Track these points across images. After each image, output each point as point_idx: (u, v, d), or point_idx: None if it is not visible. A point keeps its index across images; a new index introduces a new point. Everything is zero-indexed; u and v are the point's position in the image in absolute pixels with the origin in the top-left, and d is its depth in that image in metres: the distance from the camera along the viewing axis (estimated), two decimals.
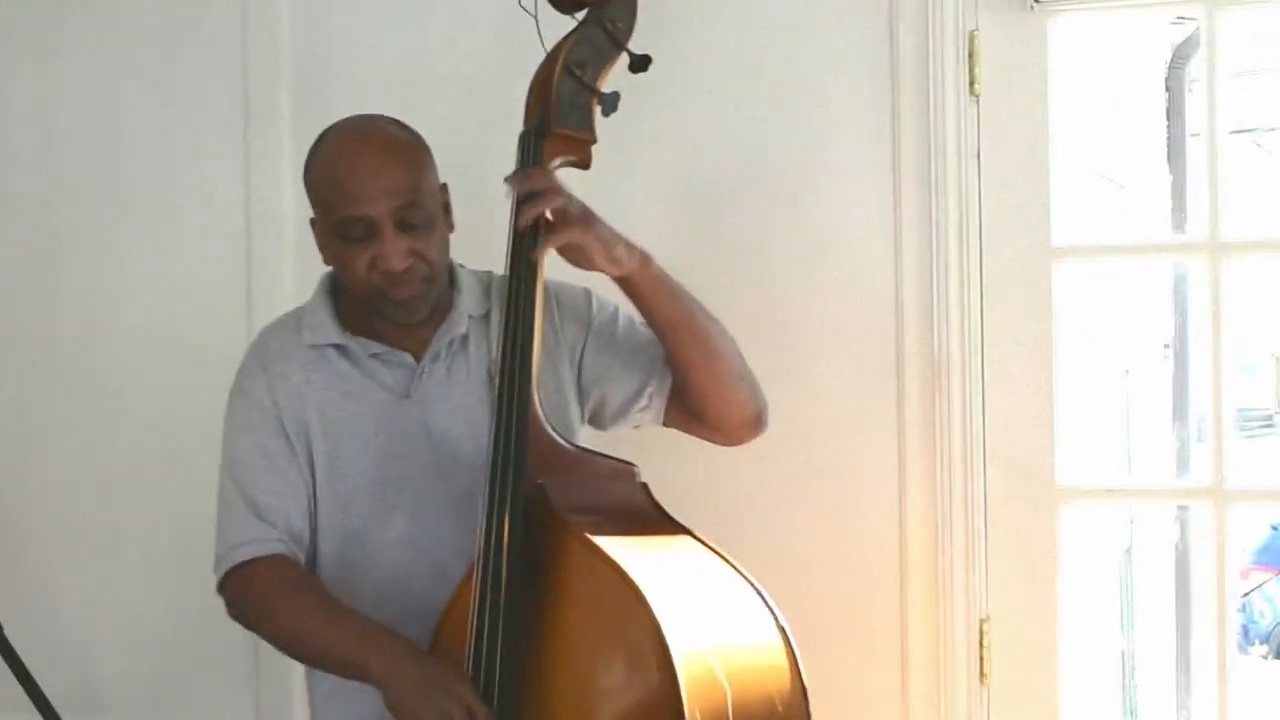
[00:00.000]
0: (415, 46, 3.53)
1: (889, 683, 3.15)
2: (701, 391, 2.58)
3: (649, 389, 2.62)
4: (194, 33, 3.69)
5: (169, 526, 3.67)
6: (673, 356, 2.58)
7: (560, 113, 2.50)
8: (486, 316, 2.63)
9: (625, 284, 2.51)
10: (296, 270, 3.55)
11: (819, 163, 3.22)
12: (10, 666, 2.65)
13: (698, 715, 2.20)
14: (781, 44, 3.24)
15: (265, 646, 3.47)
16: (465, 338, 2.61)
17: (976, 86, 3.10)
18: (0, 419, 3.84)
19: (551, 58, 2.53)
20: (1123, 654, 5.85)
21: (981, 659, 3.10)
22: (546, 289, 2.59)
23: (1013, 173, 3.10)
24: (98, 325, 3.75)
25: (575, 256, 2.47)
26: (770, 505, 3.21)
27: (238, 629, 3.54)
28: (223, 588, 2.61)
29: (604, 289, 2.65)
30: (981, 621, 3.10)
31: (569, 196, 2.44)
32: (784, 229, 3.24)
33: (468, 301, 2.62)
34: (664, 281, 2.52)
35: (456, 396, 2.59)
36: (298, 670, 3.44)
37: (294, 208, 3.52)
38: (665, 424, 2.67)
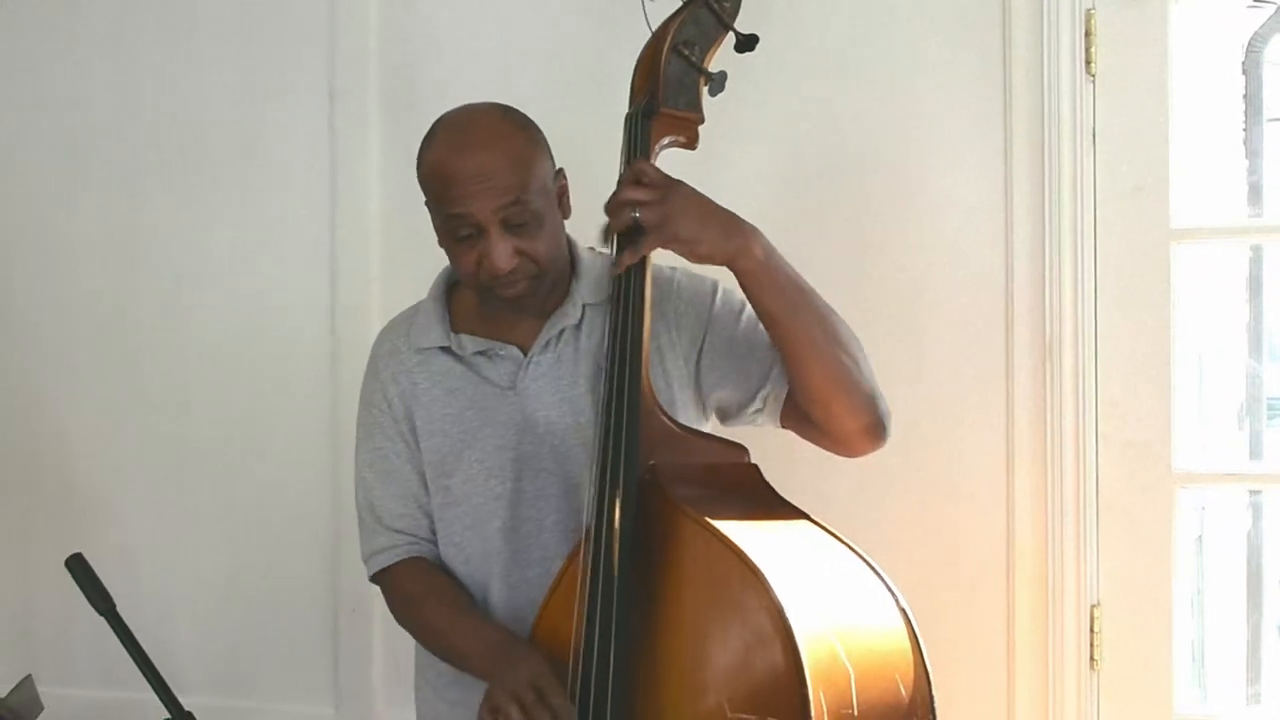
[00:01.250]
0: (507, 25, 3.50)
1: (995, 669, 3.13)
2: (807, 390, 2.46)
3: (763, 392, 2.54)
4: (280, 10, 3.68)
5: (247, 506, 3.71)
6: (779, 349, 2.48)
7: (668, 93, 2.46)
8: (607, 302, 2.55)
9: (738, 276, 2.44)
10: (382, 249, 3.57)
11: (928, 143, 3.18)
12: (124, 643, 2.62)
13: (821, 698, 2.15)
14: (890, 22, 3.21)
15: (344, 625, 3.51)
16: (578, 326, 2.58)
17: (1093, 66, 3.06)
18: (81, 398, 3.86)
19: (658, 37, 2.50)
20: (1192, 642, 5.81)
21: (1092, 645, 3.06)
22: (671, 281, 2.58)
23: (1131, 153, 3.05)
24: (179, 305, 3.76)
25: None
26: (875, 489, 3.17)
27: (316, 608, 3.56)
28: (375, 583, 2.70)
29: None
30: (1092, 607, 3.07)
31: (650, 201, 2.34)
32: (891, 209, 3.21)
33: (585, 289, 2.58)
34: (765, 274, 2.39)
35: (563, 387, 2.57)
36: (376, 650, 3.48)
37: (380, 186, 3.54)
38: (783, 427, 2.58)
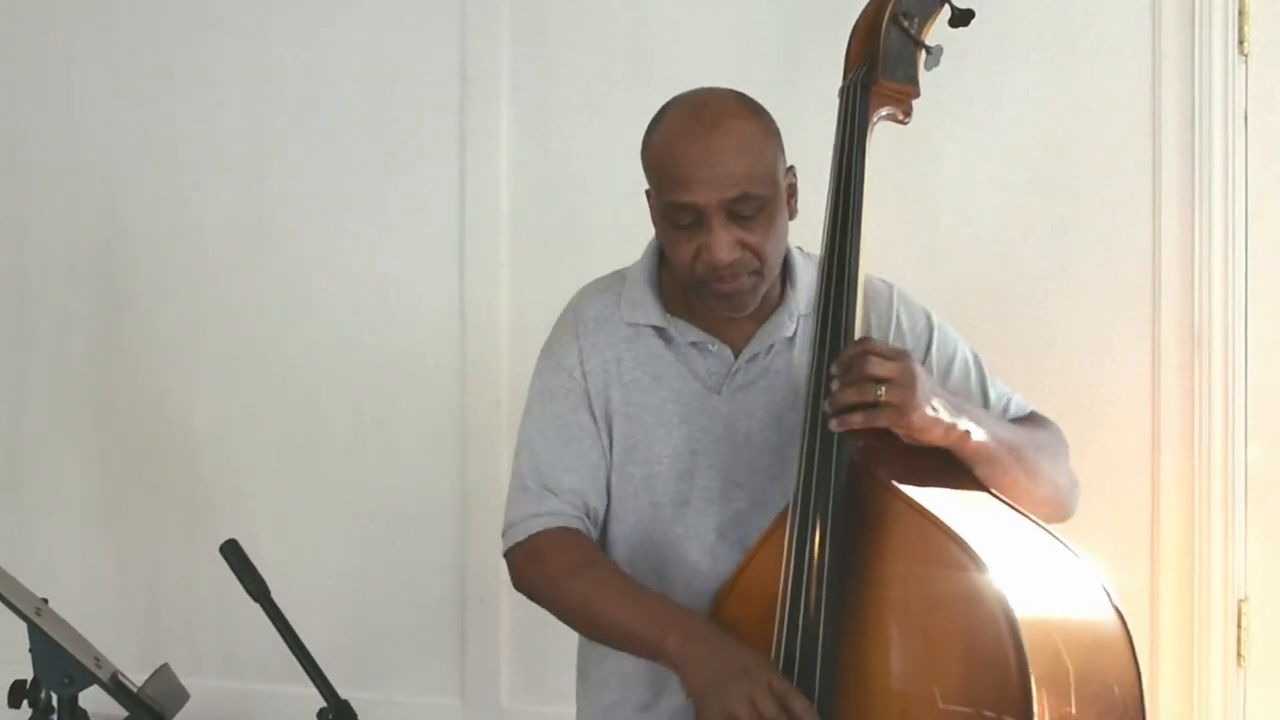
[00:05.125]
0: (639, 6, 3.40)
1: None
2: None
3: None
4: None
5: (375, 496, 3.62)
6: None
7: (887, 64, 2.39)
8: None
9: None
10: (511, 239, 3.47)
11: (1075, 126, 3.11)
12: (280, 630, 2.52)
13: (1044, 696, 2.07)
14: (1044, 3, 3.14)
15: (471, 616, 3.42)
16: (791, 339, 2.46)
17: (1246, 45, 3.00)
18: (208, 388, 3.79)
19: (877, 7, 2.43)
20: None
21: (1239, 641, 3.00)
22: (889, 305, 2.49)
23: None
24: (306, 293, 3.69)
25: None
26: None
27: (443, 599, 3.48)
28: (509, 556, 2.49)
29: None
30: (1240, 602, 3.00)
31: (894, 379, 2.20)
32: (1038, 196, 3.14)
33: (801, 298, 2.46)
34: (982, 453, 2.31)
35: (768, 401, 2.45)
36: (503, 640, 3.40)
37: (510, 170, 3.45)
38: None
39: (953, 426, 2.26)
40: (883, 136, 2.44)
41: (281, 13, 3.69)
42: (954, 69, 3.08)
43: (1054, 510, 2.43)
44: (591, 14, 3.42)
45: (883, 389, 2.19)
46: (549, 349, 2.54)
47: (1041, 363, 3.03)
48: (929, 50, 2.41)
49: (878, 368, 2.20)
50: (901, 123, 2.43)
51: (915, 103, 2.46)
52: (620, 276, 2.55)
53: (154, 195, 3.81)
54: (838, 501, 2.22)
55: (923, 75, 2.41)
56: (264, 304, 3.71)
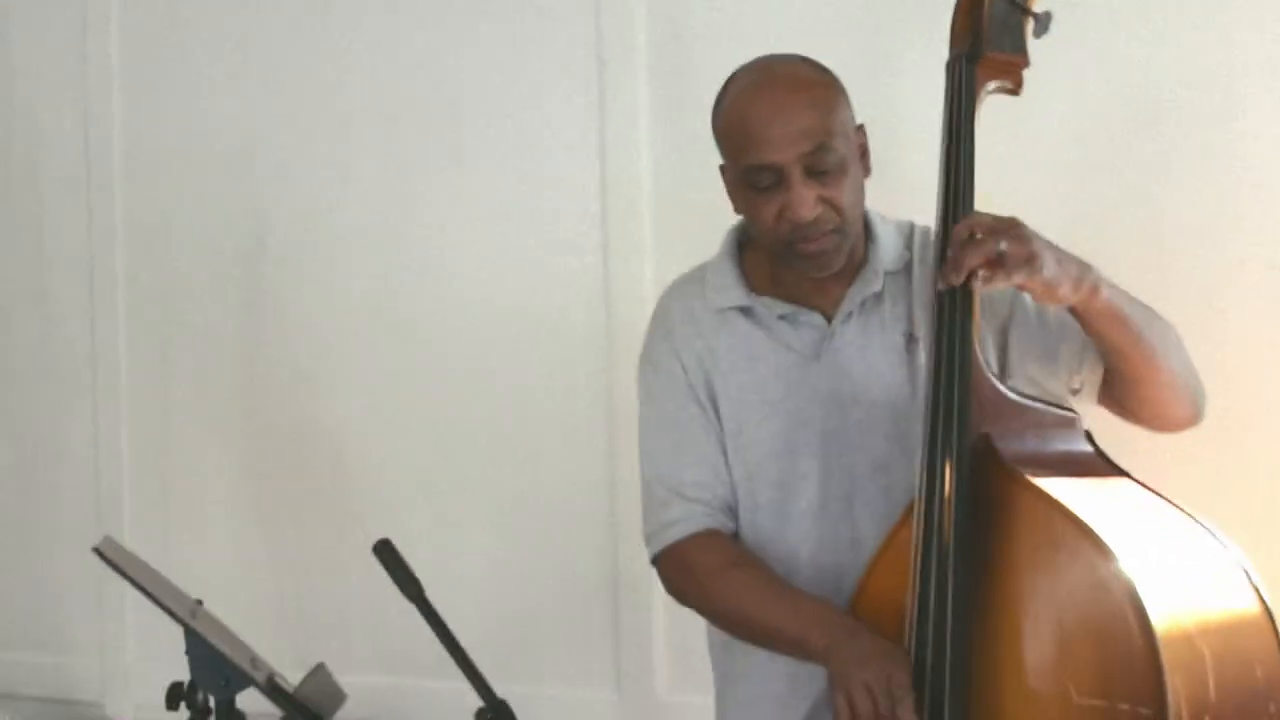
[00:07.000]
0: None
1: None
2: (1140, 401, 2.42)
3: (1079, 377, 2.44)
4: None
5: (523, 488, 3.66)
6: (1110, 370, 2.40)
7: (993, 35, 2.37)
8: (906, 270, 2.49)
9: (1071, 309, 2.33)
10: (654, 221, 3.49)
11: (1229, 91, 3.01)
12: (435, 629, 2.54)
13: (1178, 683, 2.03)
14: None
15: (624, 606, 3.42)
16: (880, 295, 2.47)
17: None
18: (353, 387, 3.85)
19: None
20: None
21: None
22: None
23: None
24: (449, 289, 3.73)
25: None
26: (1166, 464, 2.98)
27: (595, 589, 3.49)
28: (656, 565, 2.55)
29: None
30: None
31: (1011, 234, 2.20)
32: (1194, 162, 3.04)
33: (884, 256, 2.48)
34: (1112, 310, 2.30)
35: (869, 359, 2.46)
36: (658, 630, 3.41)
37: (651, 155, 3.48)
38: (1099, 405, 2.48)
39: (1080, 280, 2.23)
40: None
41: (414, 8, 3.74)
42: (1129, 34, 3.06)
43: (1185, 402, 2.43)
44: None
45: (1004, 243, 2.17)
46: (645, 355, 2.60)
47: (1192, 340, 2.94)
48: (1037, 17, 2.37)
49: (993, 229, 2.19)
50: (1012, 93, 2.40)
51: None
52: (702, 268, 2.59)
53: (295, 192, 3.88)
54: (963, 437, 2.21)
55: (1032, 43, 2.37)
56: (407, 297, 3.77)
